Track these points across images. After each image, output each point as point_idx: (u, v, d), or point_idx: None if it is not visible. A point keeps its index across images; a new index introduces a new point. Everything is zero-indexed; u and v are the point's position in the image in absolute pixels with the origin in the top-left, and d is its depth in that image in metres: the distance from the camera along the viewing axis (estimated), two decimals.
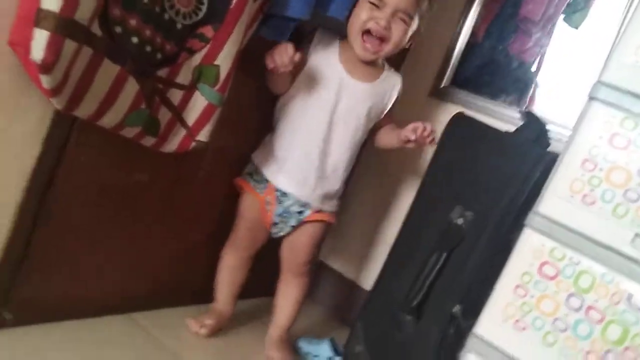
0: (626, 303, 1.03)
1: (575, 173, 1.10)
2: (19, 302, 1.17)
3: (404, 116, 1.53)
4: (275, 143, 1.44)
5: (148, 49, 1.07)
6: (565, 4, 1.67)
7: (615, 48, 1.11)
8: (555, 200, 1.11)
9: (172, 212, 1.42)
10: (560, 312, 1.08)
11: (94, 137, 1.15)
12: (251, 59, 1.28)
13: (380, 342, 1.43)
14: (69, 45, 0.91)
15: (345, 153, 1.45)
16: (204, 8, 1.14)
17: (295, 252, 1.49)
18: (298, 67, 1.36)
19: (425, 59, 1.82)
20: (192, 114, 1.21)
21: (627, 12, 1.52)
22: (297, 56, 1.26)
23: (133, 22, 1.03)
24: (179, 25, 1.11)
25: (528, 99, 1.72)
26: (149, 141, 1.19)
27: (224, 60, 1.18)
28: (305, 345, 1.56)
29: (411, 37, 1.42)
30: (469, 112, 1.55)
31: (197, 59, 1.17)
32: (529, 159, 1.28)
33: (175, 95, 1.18)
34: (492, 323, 1.15)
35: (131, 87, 1.07)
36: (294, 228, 1.46)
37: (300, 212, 1.44)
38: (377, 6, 1.35)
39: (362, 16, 1.36)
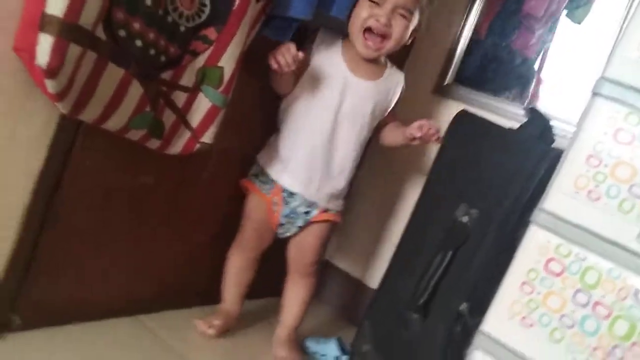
0: (633, 298, 1.03)
1: (580, 169, 1.10)
2: (27, 306, 1.17)
3: (408, 114, 1.53)
4: (280, 143, 1.44)
5: (152, 52, 1.08)
6: (568, 0, 1.67)
7: (619, 43, 1.10)
8: (561, 196, 1.11)
9: (177, 214, 1.42)
10: (567, 309, 1.08)
11: (100, 140, 1.16)
12: (254, 60, 1.28)
13: (387, 341, 1.43)
14: (74, 50, 0.92)
15: (351, 152, 1.45)
16: (207, 10, 1.14)
17: (302, 252, 1.49)
18: (301, 68, 1.37)
19: (429, 56, 1.82)
20: (196, 116, 1.22)
21: (630, 7, 1.52)
22: (300, 56, 1.26)
23: (136, 25, 1.03)
24: (182, 28, 1.11)
25: (532, 96, 1.72)
26: (154, 144, 1.20)
27: (228, 62, 1.19)
28: (312, 345, 1.57)
29: (412, 32, 1.43)
30: (473, 110, 1.55)
31: (200, 61, 1.17)
32: (533, 155, 1.28)
33: (180, 98, 1.18)
34: (498, 320, 1.15)
35: (135, 90, 1.08)
36: (301, 228, 1.46)
37: (307, 213, 1.45)
38: (376, 3, 1.36)
39: (362, 14, 1.37)
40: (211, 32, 1.16)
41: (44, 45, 0.89)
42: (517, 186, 1.28)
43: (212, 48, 1.17)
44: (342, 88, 1.41)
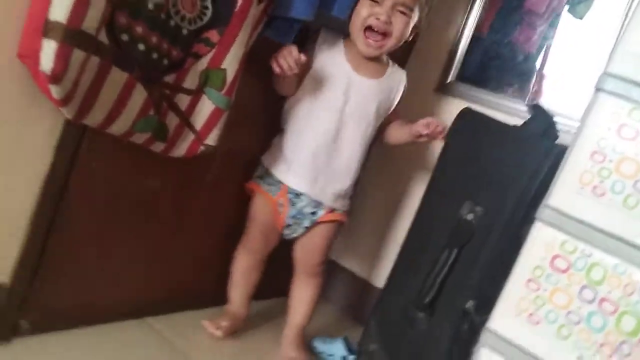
0: (639, 294, 1.02)
1: (584, 165, 1.09)
2: (35, 311, 1.18)
3: (411, 112, 1.53)
4: (284, 144, 1.44)
5: (155, 55, 1.08)
6: None
7: (621, 38, 1.10)
8: (565, 192, 1.11)
9: (182, 216, 1.43)
10: (574, 305, 1.08)
11: (105, 144, 1.16)
12: (257, 60, 1.28)
13: (393, 340, 1.43)
14: (78, 55, 0.92)
15: (356, 151, 1.46)
16: (209, 13, 1.14)
17: (309, 253, 1.50)
18: (304, 69, 1.37)
19: (431, 54, 1.82)
20: (200, 119, 1.22)
21: (632, 1, 1.52)
22: (303, 59, 1.27)
23: (139, 29, 1.03)
24: (184, 31, 1.12)
25: (535, 92, 1.72)
26: (158, 147, 1.20)
27: (230, 64, 1.19)
28: (319, 345, 1.57)
29: (413, 29, 1.43)
30: (476, 107, 1.54)
31: (203, 63, 1.18)
32: (537, 152, 1.28)
33: (183, 100, 1.19)
34: (505, 317, 1.15)
35: (139, 94, 1.08)
36: (308, 229, 1.46)
37: (313, 213, 1.45)
38: (376, 2, 1.36)
39: (362, 13, 1.37)
40: (213, 35, 1.16)
41: (48, 51, 0.89)
42: (522, 183, 1.28)
43: (214, 50, 1.17)
44: (346, 88, 1.41)
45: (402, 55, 1.66)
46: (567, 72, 1.68)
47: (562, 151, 1.16)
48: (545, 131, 1.36)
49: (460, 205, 1.35)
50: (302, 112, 1.42)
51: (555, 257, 1.11)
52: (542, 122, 1.38)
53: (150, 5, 1.03)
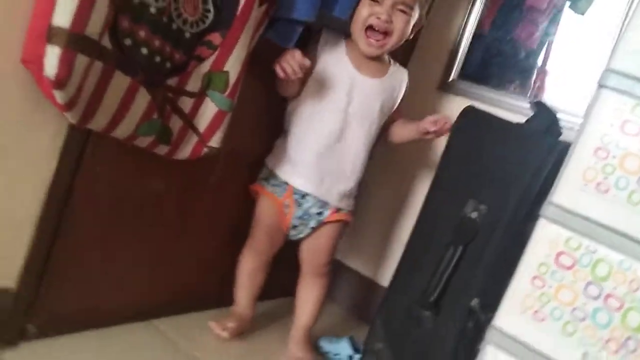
0: None
1: (588, 161, 1.09)
2: (41, 315, 1.18)
3: (413, 111, 1.54)
4: (289, 145, 1.44)
5: (158, 59, 1.09)
6: None
7: (623, 34, 1.10)
8: (569, 189, 1.11)
9: (187, 218, 1.43)
10: (579, 302, 1.08)
11: (109, 148, 1.17)
12: (259, 61, 1.28)
13: (399, 339, 1.44)
14: (81, 60, 0.93)
15: (361, 151, 1.46)
16: (211, 15, 1.15)
17: (315, 253, 1.50)
18: (308, 70, 1.37)
19: (433, 52, 1.82)
20: (203, 121, 1.23)
21: None
22: (306, 62, 1.27)
23: (142, 33, 1.04)
24: (187, 34, 1.12)
25: (537, 89, 1.72)
26: (162, 150, 1.20)
27: (233, 66, 1.19)
28: (325, 345, 1.57)
29: (414, 27, 1.44)
30: (478, 104, 1.55)
31: (206, 66, 1.18)
32: (540, 149, 1.28)
33: (186, 103, 1.19)
34: (510, 315, 1.15)
35: (142, 98, 1.09)
36: (314, 230, 1.47)
37: (319, 214, 1.45)
38: (377, 1, 1.37)
39: (363, 13, 1.38)
40: (216, 37, 1.16)
41: (52, 56, 0.90)
42: (525, 180, 1.28)
43: (217, 53, 1.17)
44: (349, 88, 1.41)
45: (403, 54, 1.66)
46: (569, 69, 1.68)
47: (565, 148, 1.16)
48: (548, 128, 1.36)
49: (464, 204, 1.36)
50: (306, 113, 1.42)
51: (560, 253, 1.11)
52: (544, 119, 1.38)
53: (153, 9, 1.04)
